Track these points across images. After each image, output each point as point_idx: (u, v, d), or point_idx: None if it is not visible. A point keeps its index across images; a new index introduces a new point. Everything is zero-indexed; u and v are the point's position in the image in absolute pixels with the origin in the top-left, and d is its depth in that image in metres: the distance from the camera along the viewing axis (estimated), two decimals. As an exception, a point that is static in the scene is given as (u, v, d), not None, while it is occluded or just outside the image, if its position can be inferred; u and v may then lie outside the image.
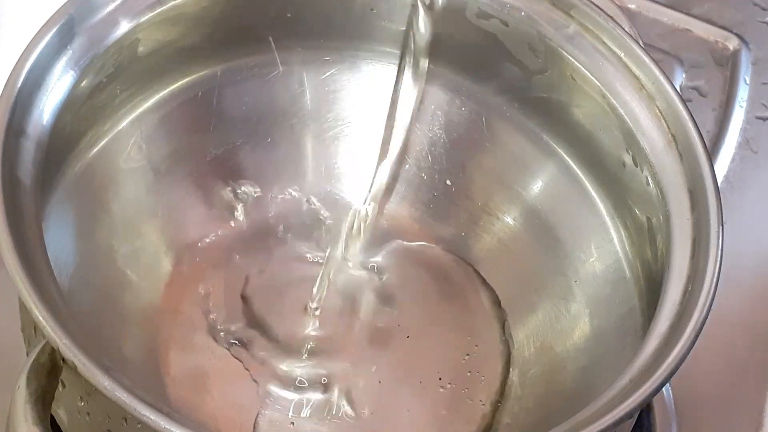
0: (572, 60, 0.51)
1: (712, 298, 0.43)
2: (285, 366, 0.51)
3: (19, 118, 0.43)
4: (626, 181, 0.50)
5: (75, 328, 0.39)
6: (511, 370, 0.52)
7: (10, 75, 0.44)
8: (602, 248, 0.52)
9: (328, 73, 0.56)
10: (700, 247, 0.45)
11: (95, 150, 0.51)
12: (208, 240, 0.54)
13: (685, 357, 0.41)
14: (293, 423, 0.49)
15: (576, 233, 0.53)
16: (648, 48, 0.51)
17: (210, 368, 0.50)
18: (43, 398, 0.38)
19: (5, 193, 0.41)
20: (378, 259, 0.55)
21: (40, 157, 0.43)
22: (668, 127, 0.48)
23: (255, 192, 0.56)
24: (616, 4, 0.54)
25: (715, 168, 0.63)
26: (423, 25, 0.53)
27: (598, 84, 0.50)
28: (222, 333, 0.52)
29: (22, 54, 0.44)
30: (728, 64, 0.69)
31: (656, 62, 0.49)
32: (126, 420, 0.39)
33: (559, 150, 0.54)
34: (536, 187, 0.55)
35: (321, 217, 0.57)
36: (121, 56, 0.49)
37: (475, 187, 0.56)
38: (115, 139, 0.52)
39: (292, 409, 0.50)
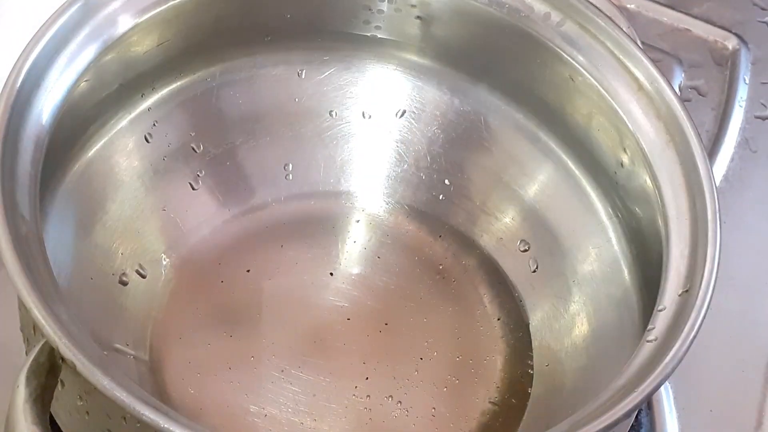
0: (571, 60, 0.51)
1: (711, 298, 0.43)
2: (285, 363, 0.51)
3: (19, 118, 0.43)
4: (624, 181, 0.50)
5: (74, 327, 0.39)
6: (511, 368, 0.53)
7: (10, 75, 0.44)
8: (600, 248, 0.52)
9: (327, 73, 0.56)
10: (699, 246, 0.45)
11: (95, 150, 0.51)
12: (207, 240, 0.54)
13: (683, 357, 0.41)
14: (293, 420, 0.49)
15: (574, 233, 0.53)
16: (647, 48, 0.51)
17: (210, 367, 0.50)
18: (42, 397, 0.38)
19: (5, 193, 0.41)
20: (377, 258, 0.56)
21: (40, 156, 0.43)
22: (666, 128, 0.48)
23: (255, 191, 0.56)
24: (615, 5, 0.54)
25: (715, 167, 0.63)
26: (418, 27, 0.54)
27: (597, 84, 0.50)
28: (222, 331, 0.52)
29: (22, 54, 0.44)
30: (727, 64, 0.69)
31: (654, 62, 0.50)
32: (125, 419, 0.39)
33: (558, 150, 0.54)
34: (534, 186, 0.55)
35: (321, 216, 0.57)
36: (121, 56, 0.49)
37: (473, 187, 0.56)
38: (115, 139, 0.52)
39: (291, 406, 0.50)
